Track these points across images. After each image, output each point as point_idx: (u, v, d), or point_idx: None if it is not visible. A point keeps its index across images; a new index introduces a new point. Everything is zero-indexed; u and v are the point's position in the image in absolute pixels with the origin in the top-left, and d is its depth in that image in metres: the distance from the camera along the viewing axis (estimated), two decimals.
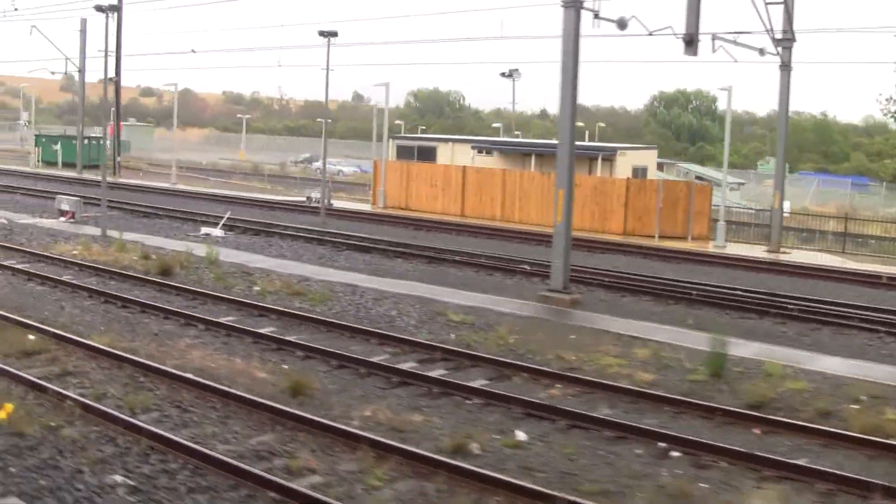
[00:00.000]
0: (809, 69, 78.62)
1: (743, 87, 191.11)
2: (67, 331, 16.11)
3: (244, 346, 16.24)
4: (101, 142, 66.08)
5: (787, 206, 44.46)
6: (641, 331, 18.77)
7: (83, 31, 55.73)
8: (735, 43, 29.03)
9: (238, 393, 12.90)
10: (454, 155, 42.51)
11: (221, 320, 17.71)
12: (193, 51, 70.77)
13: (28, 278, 21.19)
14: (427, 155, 43.51)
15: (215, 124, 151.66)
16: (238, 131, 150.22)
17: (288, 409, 12.27)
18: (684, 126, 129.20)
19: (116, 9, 27.37)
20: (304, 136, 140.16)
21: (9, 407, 11.80)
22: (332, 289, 21.47)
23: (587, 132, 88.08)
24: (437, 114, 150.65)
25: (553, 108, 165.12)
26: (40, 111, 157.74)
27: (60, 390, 12.52)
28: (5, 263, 22.76)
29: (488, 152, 41.92)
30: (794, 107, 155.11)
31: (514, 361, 15.74)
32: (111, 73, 54.94)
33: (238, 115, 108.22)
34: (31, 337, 15.58)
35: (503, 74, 74.42)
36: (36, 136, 68.75)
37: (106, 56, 27.81)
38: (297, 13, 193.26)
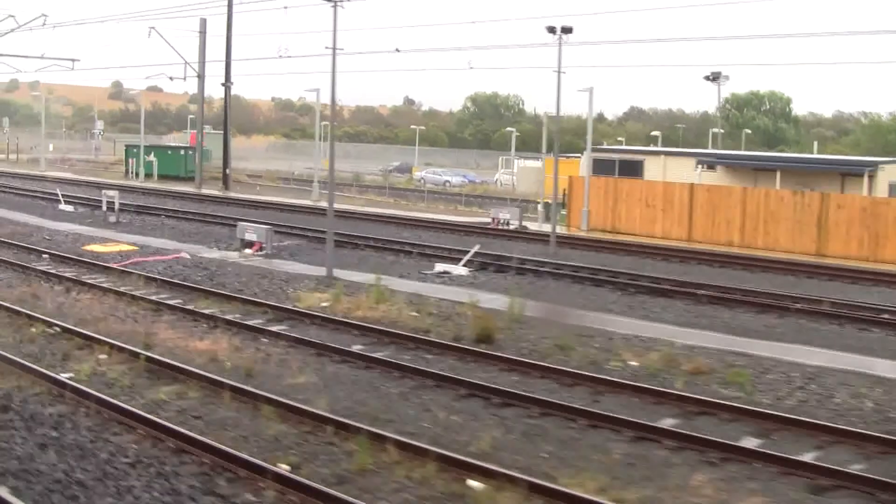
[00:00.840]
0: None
1: (810, 87, 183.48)
2: (503, 464, 10.13)
3: None
4: (194, 150, 60.60)
5: None
6: None
7: (203, 33, 50.07)
8: None
9: None
10: (666, 169, 36.35)
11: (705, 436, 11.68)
12: (398, 49, 63.81)
13: (317, 353, 15.19)
14: (631, 170, 37.38)
15: (269, 131, 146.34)
16: (294, 138, 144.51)
17: None
18: (759, 129, 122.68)
19: None
20: (363, 142, 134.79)
21: None
22: (725, 361, 15.40)
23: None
24: (497, 118, 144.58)
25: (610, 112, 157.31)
26: (90, 119, 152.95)
27: None
28: (255, 324, 16.86)
29: (710, 167, 35.75)
30: (862, 107, 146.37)
31: None
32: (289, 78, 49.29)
33: (324, 123, 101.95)
34: (474, 484, 9.60)
35: (707, 78, 67.47)
36: (127, 146, 63.05)
37: (334, 54, 21.76)
38: None
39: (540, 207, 39.36)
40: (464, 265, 23.53)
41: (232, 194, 47.30)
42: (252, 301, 18.93)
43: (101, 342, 14.73)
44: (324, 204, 42.20)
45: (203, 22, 48.42)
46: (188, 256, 24.49)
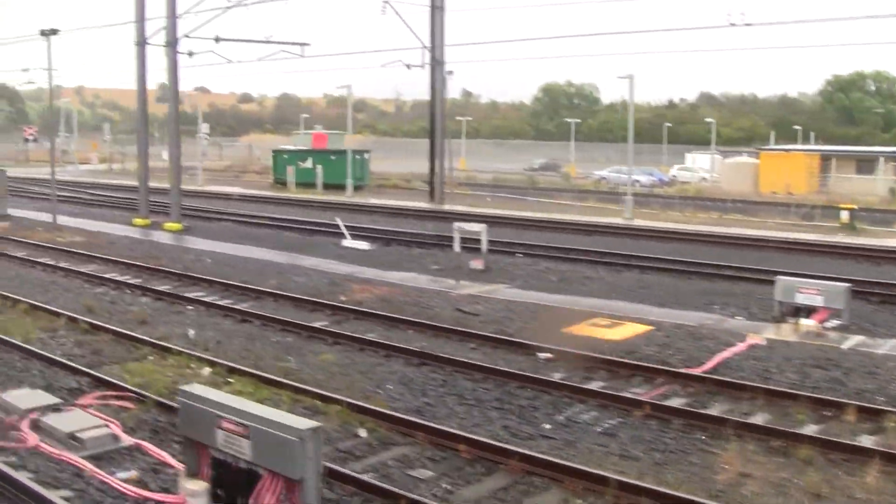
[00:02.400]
0: None
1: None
2: None
3: None
4: (359, 157, 50.24)
5: None
6: None
7: (439, 9, 38.92)
8: None
9: None
10: None
11: None
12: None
13: None
14: None
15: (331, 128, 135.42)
16: (370, 134, 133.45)
17: None
18: (867, 111, 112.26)
19: None
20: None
21: None
22: None
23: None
24: (570, 109, 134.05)
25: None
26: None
27: None
28: None
29: None
30: None
31: None
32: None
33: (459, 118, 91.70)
34: None
35: None
36: (275, 152, 52.48)
37: None
38: None
39: None
40: None
41: (471, 209, 35.63)
42: None
43: None
44: (641, 223, 31.62)
45: None
46: (762, 342, 14.12)
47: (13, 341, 13.50)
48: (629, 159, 36.09)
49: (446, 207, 35.80)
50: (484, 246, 20.67)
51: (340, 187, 46.75)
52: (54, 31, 26.97)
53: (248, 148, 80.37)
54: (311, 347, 13.87)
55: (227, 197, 40.36)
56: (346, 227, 25.48)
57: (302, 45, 32.69)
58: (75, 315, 15.30)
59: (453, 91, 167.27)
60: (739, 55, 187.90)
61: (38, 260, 21.97)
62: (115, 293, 18.06)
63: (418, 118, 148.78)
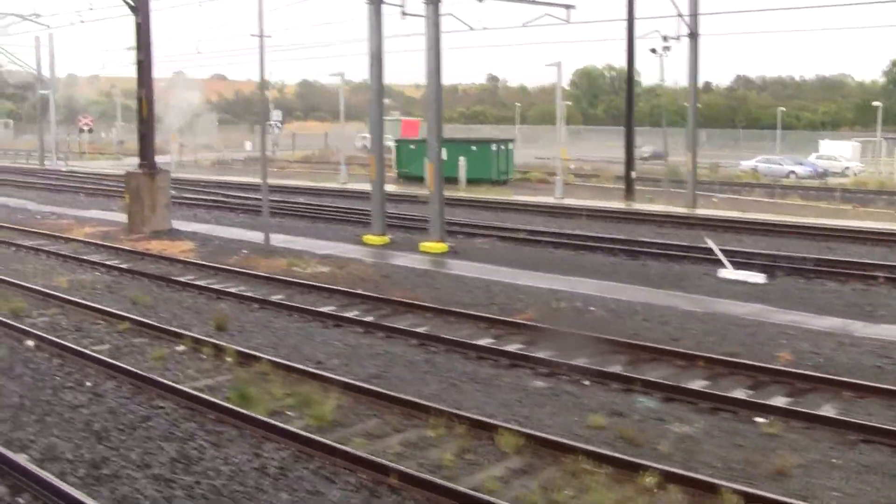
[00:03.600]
0: None
1: None
2: None
3: None
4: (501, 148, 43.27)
5: None
6: None
7: None
8: None
9: None
10: None
11: None
12: None
13: None
14: None
15: (356, 117, 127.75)
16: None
17: None
18: None
19: None
20: (480, 122, 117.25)
21: None
22: None
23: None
24: (612, 93, 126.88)
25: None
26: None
27: None
28: None
29: None
30: None
31: None
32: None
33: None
34: None
35: None
36: (398, 142, 45.29)
37: None
38: None
39: None
40: None
41: (742, 215, 27.40)
42: None
43: None
44: None
45: None
46: None
47: None
48: None
49: (700, 213, 28.68)
50: None
51: (485, 182, 39.80)
52: None
53: (323, 137, 73.03)
54: None
55: (412, 199, 32.43)
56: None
57: (567, 7, 25.47)
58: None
59: (479, 76, 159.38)
60: (770, 38, 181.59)
61: (320, 309, 14.82)
62: (549, 387, 11.02)
63: (450, 104, 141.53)
